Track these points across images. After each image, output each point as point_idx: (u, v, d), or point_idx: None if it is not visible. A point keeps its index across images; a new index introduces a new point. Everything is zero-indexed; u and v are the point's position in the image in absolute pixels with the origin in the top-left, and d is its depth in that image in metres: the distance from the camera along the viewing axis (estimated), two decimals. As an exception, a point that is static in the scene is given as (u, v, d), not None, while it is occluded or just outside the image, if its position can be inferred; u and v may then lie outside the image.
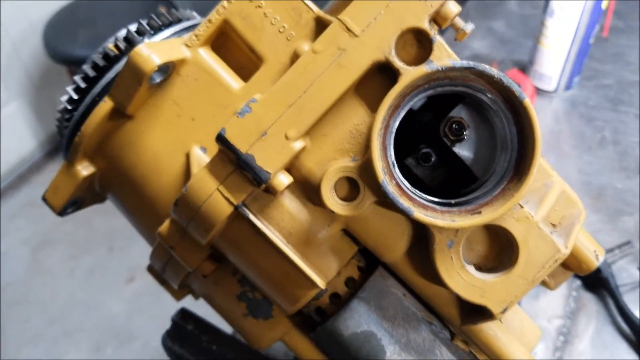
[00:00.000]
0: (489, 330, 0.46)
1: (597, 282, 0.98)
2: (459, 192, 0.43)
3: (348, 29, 0.40)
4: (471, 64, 0.36)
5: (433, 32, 0.39)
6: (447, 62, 0.37)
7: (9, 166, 2.73)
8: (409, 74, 0.38)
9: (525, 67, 1.28)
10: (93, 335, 2.21)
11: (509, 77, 1.15)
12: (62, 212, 0.54)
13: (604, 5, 1.14)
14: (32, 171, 2.82)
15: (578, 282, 0.99)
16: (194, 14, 0.57)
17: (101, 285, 2.37)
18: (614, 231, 1.04)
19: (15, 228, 2.57)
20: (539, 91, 1.25)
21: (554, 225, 0.42)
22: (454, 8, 0.40)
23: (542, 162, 0.43)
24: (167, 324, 0.65)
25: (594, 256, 0.47)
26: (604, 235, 1.03)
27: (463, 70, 0.37)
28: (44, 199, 0.53)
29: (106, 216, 0.67)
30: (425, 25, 0.39)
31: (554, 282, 0.49)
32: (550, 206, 0.42)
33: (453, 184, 0.44)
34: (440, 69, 0.37)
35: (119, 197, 0.54)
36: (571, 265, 0.47)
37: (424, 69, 0.37)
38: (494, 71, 0.36)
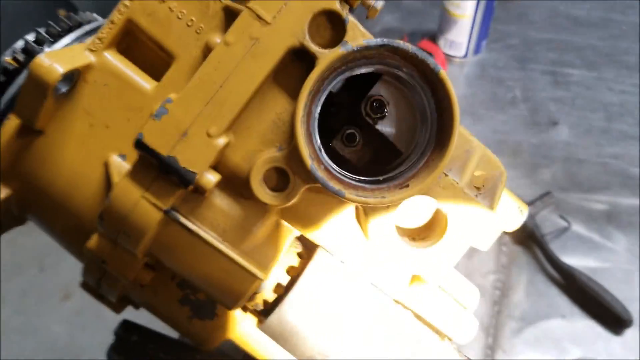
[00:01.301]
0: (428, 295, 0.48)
1: (524, 235, 1.04)
2: (386, 169, 0.43)
3: (259, 17, 0.39)
4: (385, 41, 0.37)
5: (345, 12, 0.39)
6: (361, 41, 0.37)
7: None
8: (326, 57, 0.38)
9: (435, 37, 1.32)
10: (36, 361, 2.11)
11: (421, 48, 1.18)
12: None
13: (502, -31, 1.19)
14: None
15: (507, 238, 1.04)
16: (95, 15, 0.54)
17: (36, 307, 2.25)
18: (534, 184, 1.10)
19: None
20: (450, 58, 1.29)
21: (478, 189, 0.44)
22: (361, -14, 0.40)
23: (461, 130, 0.45)
24: (110, 338, 0.63)
25: (519, 212, 0.50)
26: (524, 189, 1.09)
27: (378, 48, 0.37)
28: (-44, 230, 0.50)
29: (32, 235, 0.64)
30: (336, 6, 0.39)
31: (484, 242, 0.52)
32: (472, 171, 0.43)
33: (380, 161, 0.45)
34: (355, 49, 0.37)
35: (41, 217, 0.52)
36: (499, 224, 0.49)
37: (339, 50, 0.37)
38: (407, 46, 0.37)
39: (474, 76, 1.28)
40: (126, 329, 0.62)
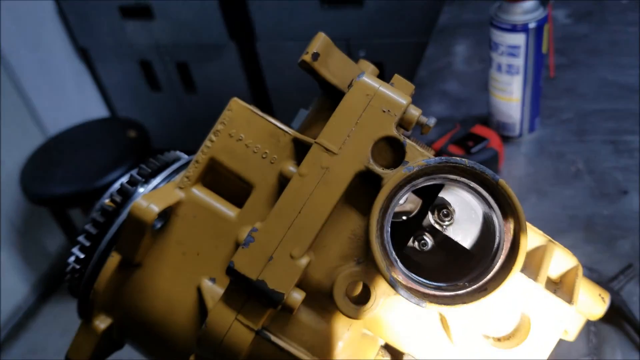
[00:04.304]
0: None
1: (612, 313, 0.99)
2: (461, 271, 0.45)
3: (327, 150, 0.43)
4: (443, 159, 0.40)
5: (402, 136, 0.43)
6: (420, 161, 0.41)
7: (5, 316, 2.69)
8: (390, 178, 0.41)
9: (487, 120, 1.35)
10: None
11: (476, 132, 1.19)
12: None
13: (544, 49, 1.22)
14: (28, 317, 2.77)
15: (593, 317, 1.00)
16: (179, 153, 0.61)
17: None
18: (613, 257, 1.06)
19: (19, 380, 2.49)
20: (505, 139, 1.31)
21: (555, 284, 0.44)
22: (415, 112, 0.44)
23: (532, 228, 0.46)
24: None
25: (600, 300, 0.50)
26: (604, 264, 1.05)
27: (437, 165, 0.40)
28: (68, 358, 0.54)
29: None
30: (394, 132, 0.43)
31: (570, 334, 0.51)
32: (547, 267, 0.44)
33: (454, 264, 0.47)
34: (416, 169, 0.40)
35: (138, 341, 0.56)
36: (582, 314, 0.49)
37: (402, 171, 0.41)
38: (464, 161, 0.40)
39: (533, 154, 1.29)
40: None
